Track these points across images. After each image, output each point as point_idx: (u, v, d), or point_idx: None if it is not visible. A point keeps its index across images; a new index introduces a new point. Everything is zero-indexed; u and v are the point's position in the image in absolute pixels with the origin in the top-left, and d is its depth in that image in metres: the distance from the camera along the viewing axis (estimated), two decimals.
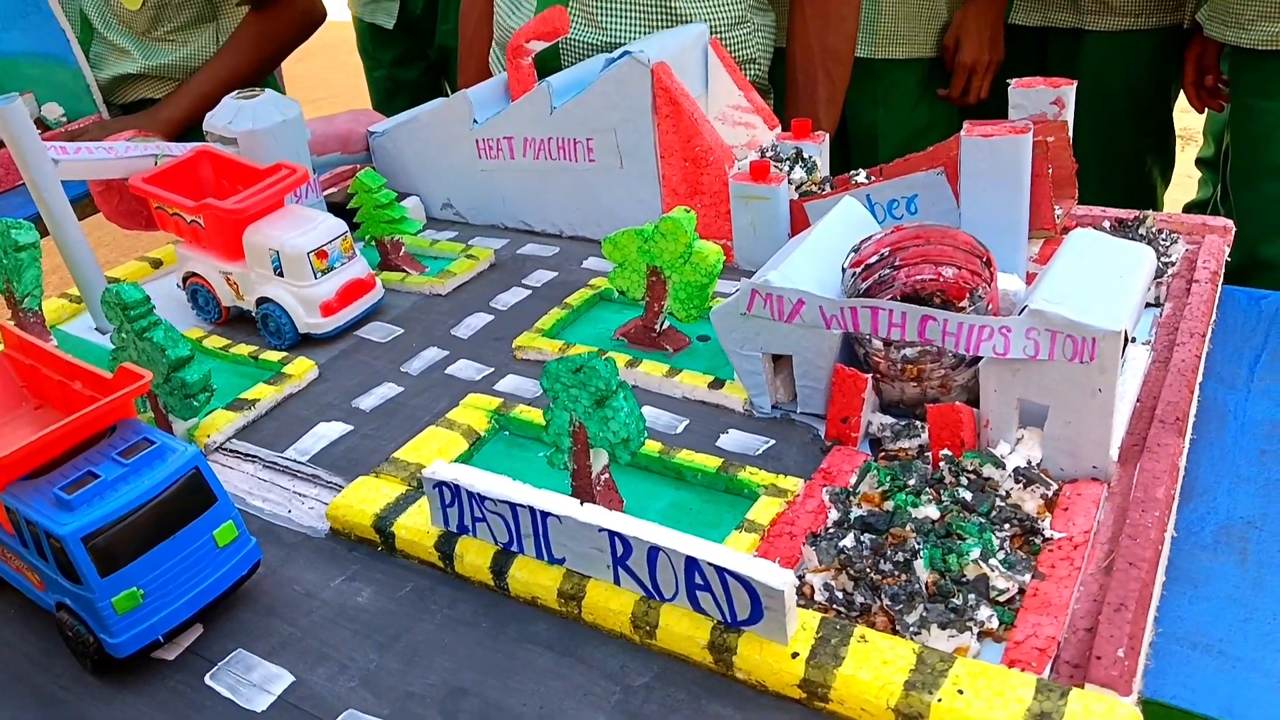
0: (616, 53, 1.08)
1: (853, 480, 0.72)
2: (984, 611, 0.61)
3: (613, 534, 0.63)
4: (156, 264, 1.21)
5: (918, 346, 0.76)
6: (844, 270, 0.81)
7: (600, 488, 0.73)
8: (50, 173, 0.99)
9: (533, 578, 0.67)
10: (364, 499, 0.76)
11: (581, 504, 0.65)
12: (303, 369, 0.96)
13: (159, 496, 0.65)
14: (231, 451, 0.87)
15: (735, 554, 0.59)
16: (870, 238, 0.82)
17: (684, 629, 0.62)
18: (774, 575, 0.57)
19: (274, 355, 0.99)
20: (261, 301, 1.02)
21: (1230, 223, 0.99)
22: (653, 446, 0.79)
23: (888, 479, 0.70)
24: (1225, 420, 0.83)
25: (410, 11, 2.08)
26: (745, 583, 0.58)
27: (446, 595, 0.70)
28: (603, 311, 1.04)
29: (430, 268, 1.16)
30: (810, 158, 1.09)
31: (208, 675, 0.66)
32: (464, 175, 1.26)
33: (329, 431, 0.88)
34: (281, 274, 1.00)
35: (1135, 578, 0.61)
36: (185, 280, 1.08)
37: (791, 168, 1.08)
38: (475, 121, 1.21)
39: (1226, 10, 1.49)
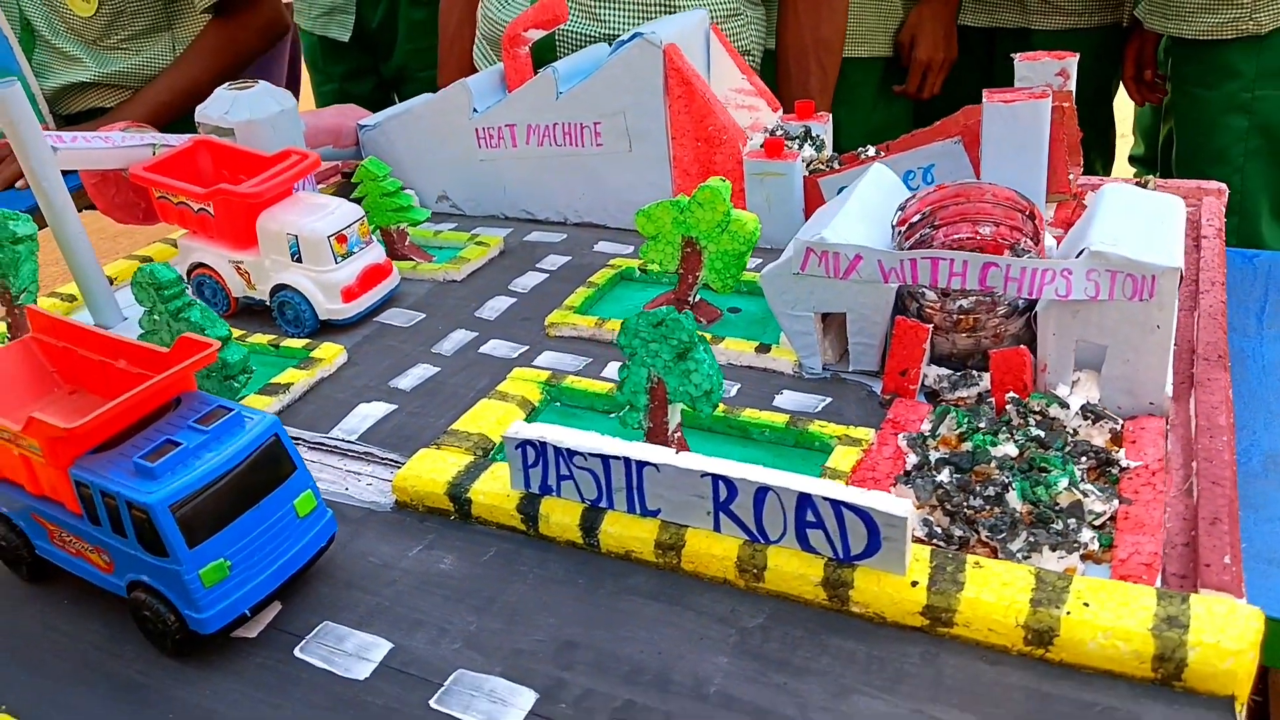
0: (627, 35, 1.08)
1: (928, 425, 0.73)
2: (1086, 534, 0.62)
3: (717, 478, 0.63)
4: (146, 261, 1.16)
5: (974, 296, 0.78)
6: (893, 228, 0.83)
7: (675, 447, 0.73)
8: (49, 160, 0.95)
9: (626, 531, 0.67)
10: (432, 469, 0.74)
11: (677, 452, 0.65)
12: (332, 353, 0.93)
13: (242, 464, 0.62)
14: None
15: (848, 488, 0.60)
16: (914, 196, 0.84)
17: (794, 568, 0.62)
18: (893, 504, 0.58)
19: (297, 343, 0.96)
20: (278, 290, 0.99)
21: (1224, 185, 1.05)
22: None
23: (965, 420, 0.71)
24: (1245, 364, 0.87)
25: (365, 25, 2.05)
26: (863, 514, 0.59)
27: (534, 557, 0.69)
28: (626, 290, 1.04)
29: (437, 257, 1.14)
30: (818, 136, 1.11)
31: (297, 649, 0.63)
32: (461, 166, 1.24)
33: (372, 411, 0.86)
34: (300, 260, 0.97)
35: (1221, 494, 0.63)
36: (190, 272, 1.04)
37: (801, 145, 1.10)
38: (475, 111, 1.20)
39: (1166, 3, 1.58)
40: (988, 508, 0.65)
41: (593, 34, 1.33)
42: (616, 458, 0.65)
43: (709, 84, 1.16)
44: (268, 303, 1.01)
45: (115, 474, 0.60)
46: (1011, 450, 0.69)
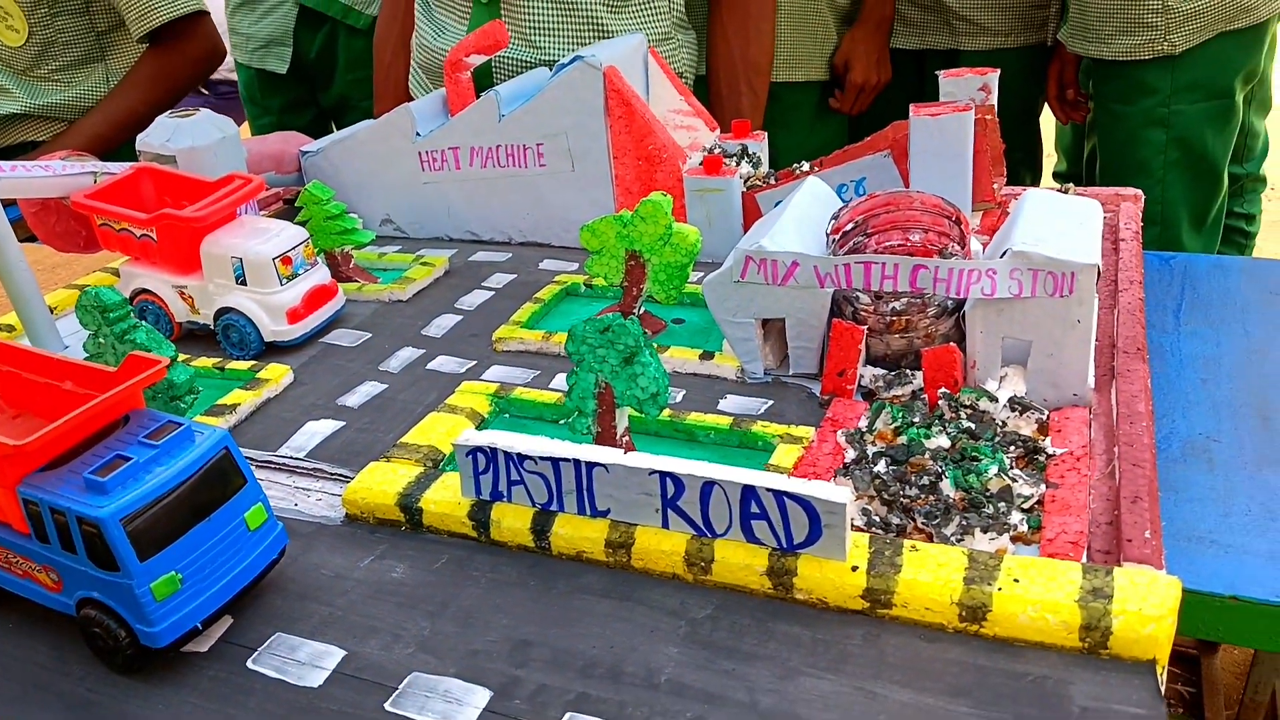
0: (567, 59, 1.11)
1: (864, 421, 0.76)
2: (1015, 516, 0.65)
3: (664, 475, 0.64)
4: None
5: (905, 299, 0.82)
6: (827, 236, 0.86)
7: (624, 449, 0.75)
8: None
9: (577, 532, 0.68)
10: (382, 481, 0.75)
11: (625, 453, 0.67)
12: (278, 374, 0.93)
13: (192, 477, 0.62)
14: None
15: (790, 479, 0.62)
16: (846, 206, 0.87)
17: (740, 559, 0.64)
18: (833, 492, 0.60)
19: (243, 365, 0.96)
20: (222, 313, 0.99)
21: (1139, 191, 1.10)
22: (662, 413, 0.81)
23: (900, 415, 0.74)
24: (1165, 358, 0.91)
25: (303, 57, 2.06)
26: (805, 503, 0.61)
27: (486, 562, 0.70)
28: (572, 304, 1.06)
29: (382, 279, 1.15)
30: (755, 153, 1.15)
31: (250, 660, 0.63)
32: (404, 189, 1.26)
33: (320, 429, 0.86)
34: (245, 282, 0.98)
35: (1141, 475, 0.67)
36: (133, 298, 1.04)
37: (739, 163, 1.13)
38: (418, 134, 1.22)
39: (1086, 28, 1.65)
40: (922, 496, 0.68)
41: (530, 60, 1.36)
42: (566, 460, 0.67)
43: (648, 105, 1.19)
44: (212, 327, 1.01)
45: (65, 490, 0.60)
46: (944, 442, 0.72)
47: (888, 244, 0.88)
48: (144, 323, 0.81)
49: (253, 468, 0.81)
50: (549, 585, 0.67)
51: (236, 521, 0.65)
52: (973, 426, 0.73)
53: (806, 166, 1.10)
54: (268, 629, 0.66)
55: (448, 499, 0.72)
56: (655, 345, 0.92)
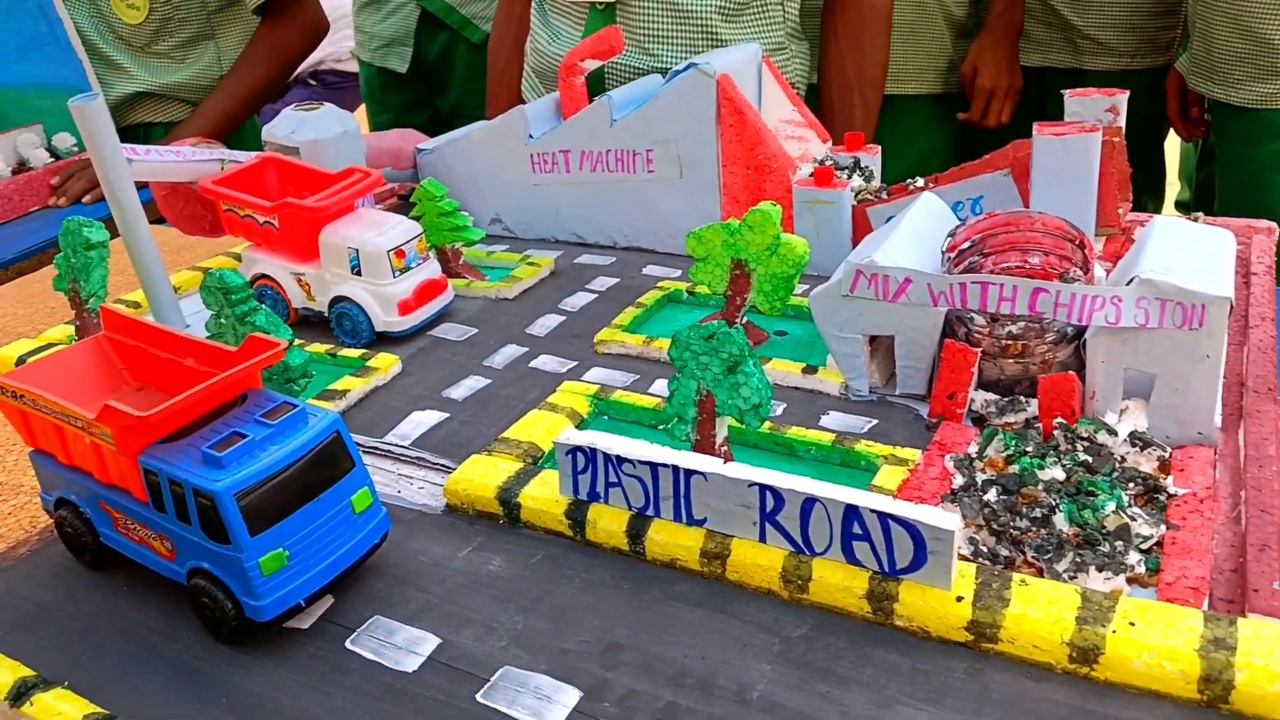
0: (681, 65, 1.11)
1: (975, 447, 0.74)
2: (1133, 556, 0.62)
3: (764, 488, 0.64)
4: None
5: (1023, 322, 0.79)
6: (942, 254, 0.84)
7: (723, 459, 0.74)
8: (125, 172, 0.99)
9: (672, 539, 0.68)
10: (482, 474, 0.76)
11: (725, 463, 0.66)
12: (387, 363, 0.96)
13: (304, 458, 0.64)
14: None
15: (895, 501, 0.60)
16: (964, 224, 0.85)
17: (839, 580, 0.62)
18: (941, 518, 0.59)
19: (354, 352, 0.98)
20: (337, 301, 1.02)
21: (1275, 225, 1.05)
22: (762, 425, 0.80)
23: (1012, 443, 0.72)
24: None
25: (424, 57, 2.11)
26: (911, 527, 0.59)
27: (580, 561, 0.70)
28: (674, 311, 1.06)
29: (489, 276, 1.17)
30: (867, 167, 1.13)
31: (348, 640, 0.65)
32: (515, 190, 1.27)
33: (425, 419, 0.88)
34: (359, 273, 1.00)
35: (1270, 522, 0.63)
36: (253, 282, 1.07)
37: (850, 176, 1.11)
38: (530, 137, 1.23)
39: (1212, 69, 1.58)
40: (1034, 529, 0.65)
41: (643, 67, 1.37)
42: (665, 466, 0.67)
43: (760, 114, 1.18)
44: (326, 314, 1.04)
45: (183, 463, 0.62)
46: (1059, 474, 0.69)
47: (1005, 265, 0.85)
48: (263, 306, 0.84)
49: (361, 453, 0.84)
50: (642, 590, 0.67)
51: (343, 504, 0.67)
52: (1090, 460, 0.70)
53: (920, 182, 1.08)
54: (367, 611, 0.67)
55: (546, 496, 0.73)
56: (761, 356, 0.91)
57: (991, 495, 0.67)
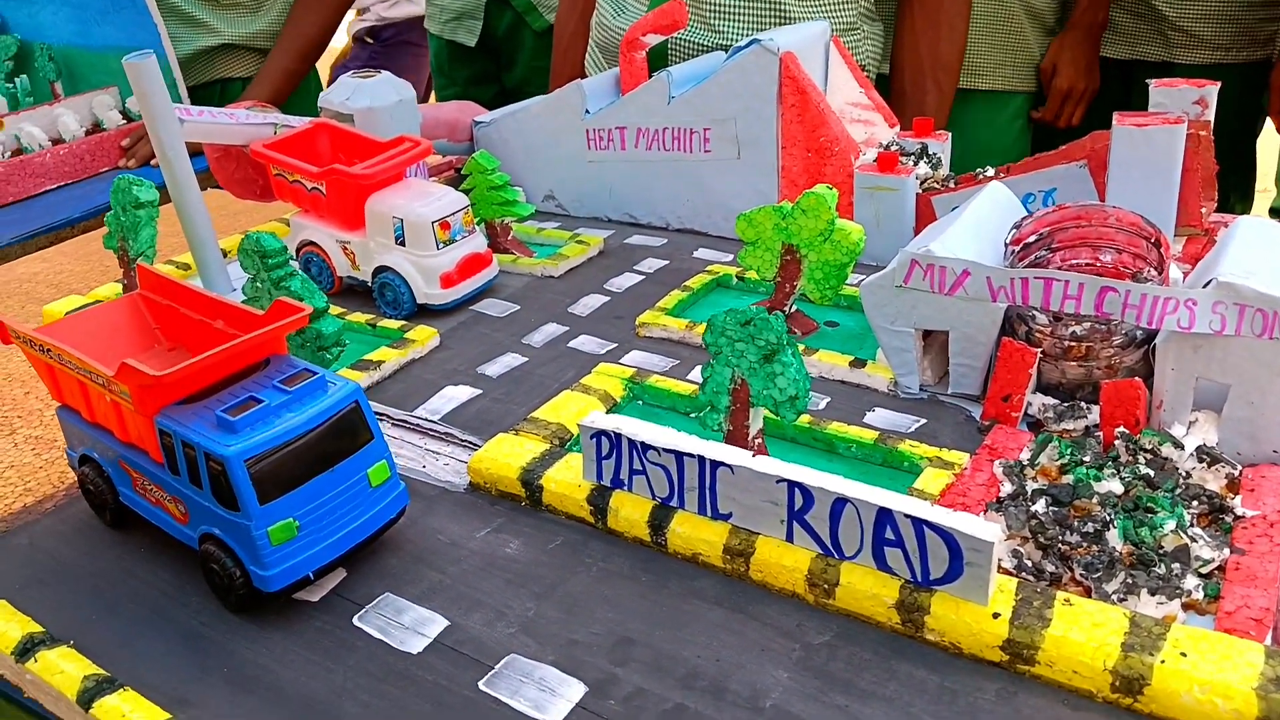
0: (744, 41, 1.07)
1: (1027, 453, 0.69)
2: (1190, 581, 0.57)
3: (793, 484, 0.60)
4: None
5: (1089, 323, 0.74)
6: (1005, 246, 0.79)
7: (754, 451, 0.70)
8: (176, 131, 0.99)
9: (695, 533, 0.64)
10: (508, 453, 0.73)
11: (754, 455, 0.63)
12: (425, 335, 0.94)
13: (320, 427, 0.62)
14: None
15: (933, 507, 0.56)
16: (1031, 215, 0.80)
17: (868, 587, 0.58)
18: (980, 528, 0.54)
19: (393, 324, 0.97)
20: (380, 271, 1.01)
21: None
22: (800, 419, 0.76)
23: (1068, 451, 0.67)
24: None
25: (493, 32, 2.09)
26: (947, 536, 0.55)
27: (600, 549, 0.67)
28: (722, 296, 1.02)
29: (537, 253, 1.14)
30: (935, 154, 1.08)
31: (356, 617, 0.63)
32: (570, 167, 1.25)
33: (457, 394, 0.86)
34: (403, 243, 0.99)
35: None
36: (299, 250, 1.07)
37: (916, 162, 1.06)
38: (587, 112, 1.20)
39: None
40: (1084, 544, 0.60)
41: (707, 44, 1.33)
42: (691, 455, 0.64)
43: (825, 95, 1.14)
44: (369, 284, 1.03)
45: (197, 425, 0.61)
46: (1116, 487, 0.64)
47: (1074, 262, 0.80)
48: (300, 272, 0.83)
49: (387, 426, 0.82)
50: (660, 584, 0.64)
51: (359, 476, 0.65)
52: (1151, 474, 0.65)
53: (991, 171, 1.02)
54: (378, 587, 0.65)
55: (569, 480, 0.70)
56: (803, 346, 0.88)
57: (1040, 506, 0.62)
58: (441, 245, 0.99)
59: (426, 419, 0.83)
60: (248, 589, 0.62)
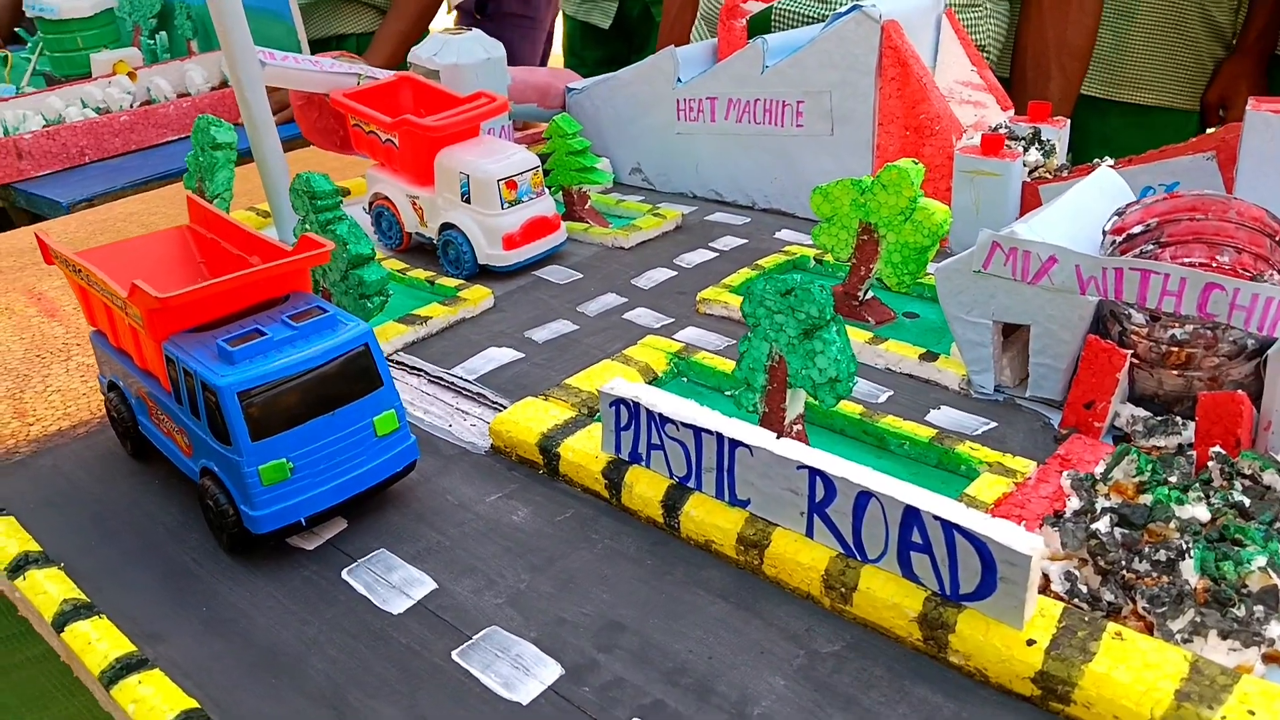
0: (845, 7, 1.00)
1: (1102, 466, 0.61)
2: (1275, 628, 0.48)
3: (815, 472, 0.54)
4: (345, 193, 1.20)
5: (1193, 325, 0.64)
6: (1104, 234, 0.70)
7: (792, 438, 0.64)
8: (256, 74, 0.98)
9: (709, 518, 0.59)
10: (531, 418, 0.69)
11: (779, 437, 0.57)
12: (479, 295, 0.91)
13: (324, 366, 0.60)
14: (397, 363, 0.83)
15: (970, 511, 0.49)
16: (1137, 202, 0.71)
17: (889, 595, 0.52)
18: (1019, 537, 0.47)
19: (452, 282, 0.94)
20: (445, 228, 0.98)
21: None
22: (851, 408, 0.70)
23: (1149, 467, 0.58)
24: None
25: (627, 13, 2.07)
26: (980, 545, 0.48)
27: (609, 527, 0.62)
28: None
29: (613, 224, 1.10)
30: (1049, 141, 0.98)
31: (345, 570, 0.60)
32: (658, 138, 1.20)
33: (499, 356, 0.82)
34: (469, 200, 0.96)
35: None
36: (371, 203, 1.06)
37: (1027, 148, 0.97)
38: (679, 80, 1.15)
39: None
40: (1153, 574, 0.52)
41: (812, 14, 1.25)
42: (709, 432, 0.58)
43: (931, 70, 1.06)
44: (435, 240, 1.00)
45: (200, 353, 0.59)
46: (1201, 513, 0.55)
47: (1187, 260, 0.70)
48: (350, 216, 0.80)
49: (423, 381, 0.79)
50: (666, 569, 0.58)
51: (363, 424, 0.62)
52: (1246, 502, 0.56)
53: (1110, 161, 0.92)
54: (374, 542, 0.62)
55: (587, 450, 0.65)
56: (871, 335, 0.80)
57: (1103, 525, 0.54)
58: (507, 205, 0.96)
59: (462, 377, 0.79)
60: (239, 529, 0.60)
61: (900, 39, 0.97)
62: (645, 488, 0.62)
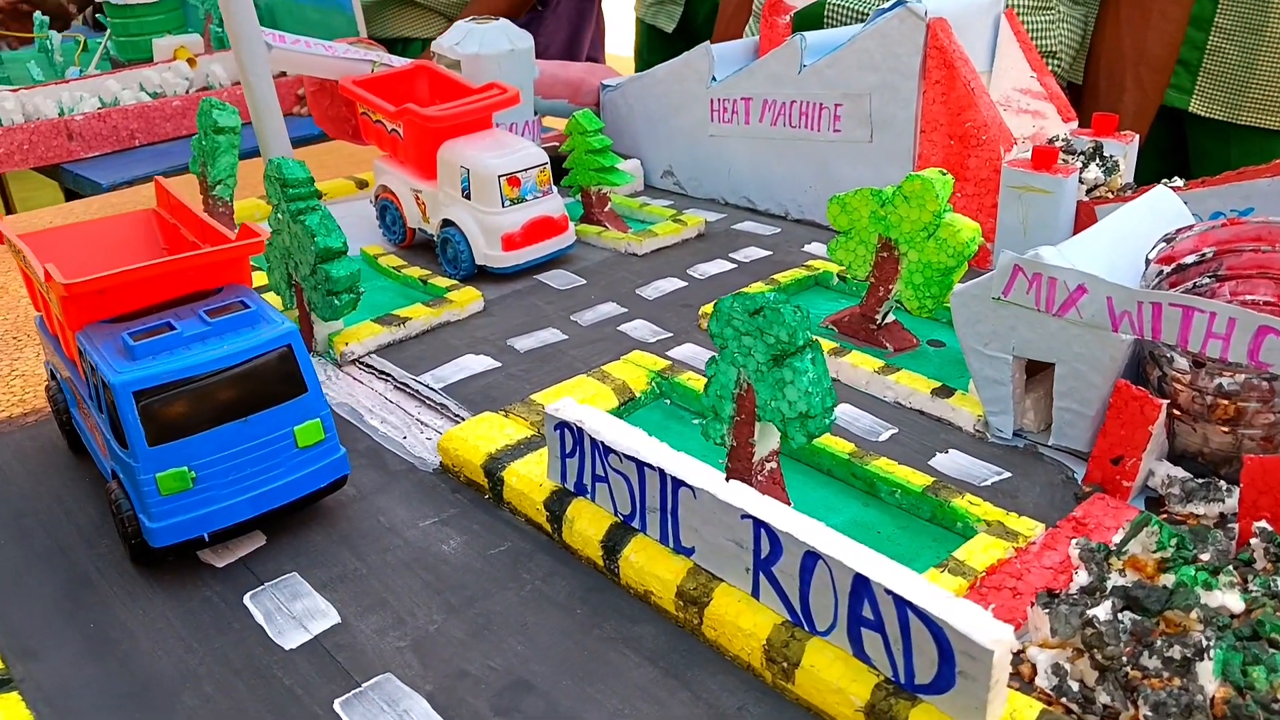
0: (889, 2, 0.91)
1: (1119, 535, 0.51)
2: None
3: (760, 524, 0.46)
4: (362, 184, 1.16)
5: (1245, 375, 0.54)
6: (1147, 262, 0.60)
7: (763, 478, 0.56)
8: (261, 55, 0.95)
9: (650, 565, 0.51)
10: (482, 435, 0.63)
11: (728, 479, 0.49)
12: (467, 298, 0.85)
13: (236, 368, 0.54)
14: (367, 366, 0.77)
15: (930, 586, 0.41)
16: (1191, 229, 0.61)
17: (835, 677, 0.43)
18: (982, 626, 0.38)
19: (445, 282, 0.89)
20: (445, 225, 0.93)
21: None
22: (841, 446, 0.61)
23: (1172, 542, 0.48)
24: None
25: (692, 19, 2.01)
26: (936, 630, 0.39)
27: (545, 565, 0.55)
28: (816, 297, 0.87)
29: (633, 228, 1.03)
30: (1112, 157, 0.87)
31: (249, 594, 0.54)
32: (690, 140, 1.12)
33: (473, 364, 0.76)
34: (469, 196, 0.90)
35: None
36: (377, 195, 1.01)
37: (1086, 164, 0.86)
38: (714, 79, 1.08)
39: None
40: (1164, 674, 0.43)
41: (865, 9, 1.16)
42: (652, 467, 0.50)
43: (989, 79, 0.96)
44: (435, 238, 0.95)
45: (106, 346, 0.54)
46: (1233, 602, 0.46)
47: (1249, 298, 0.60)
48: (323, 207, 0.75)
49: (387, 387, 0.73)
50: (596, 621, 0.51)
51: (281, 433, 0.56)
52: None
53: (1180, 181, 0.82)
54: (288, 564, 0.56)
55: (533, 477, 0.58)
56: (882, 364, 0.72)
57: (1102, 611, 0.44)
58: (508, 203, 0.89)
59: (428, 385, 0.73)
60: (140, 539, 0.55)
61: (948, 39, 0.88)
62: (586, 524, 0.54)
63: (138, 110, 1.62)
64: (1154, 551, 0.49)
